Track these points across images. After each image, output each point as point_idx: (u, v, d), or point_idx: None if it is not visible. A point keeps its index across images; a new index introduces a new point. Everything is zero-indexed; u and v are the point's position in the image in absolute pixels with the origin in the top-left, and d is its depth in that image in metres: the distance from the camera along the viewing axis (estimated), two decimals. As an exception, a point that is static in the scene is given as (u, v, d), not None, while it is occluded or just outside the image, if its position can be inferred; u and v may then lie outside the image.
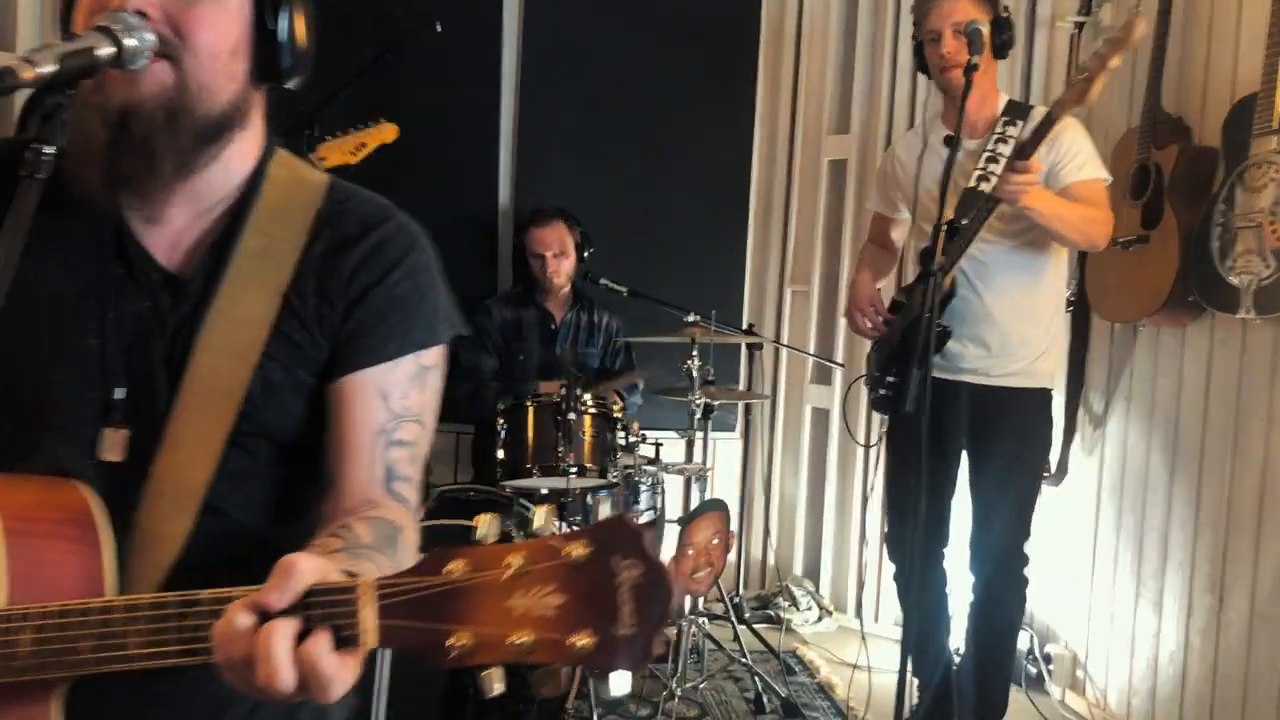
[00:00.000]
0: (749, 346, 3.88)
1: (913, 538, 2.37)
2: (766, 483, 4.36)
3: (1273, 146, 2.45)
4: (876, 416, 3.20)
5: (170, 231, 1.07)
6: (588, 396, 2.92)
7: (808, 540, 4.33)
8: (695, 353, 3.09)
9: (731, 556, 3.67)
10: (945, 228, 2.25)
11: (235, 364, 1.03)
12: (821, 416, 4.29)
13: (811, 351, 4.18)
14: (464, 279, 4.05)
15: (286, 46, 1.04)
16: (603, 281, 3.64)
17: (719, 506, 3.09)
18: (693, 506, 3.16)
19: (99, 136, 0.97)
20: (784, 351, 4.31)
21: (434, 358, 1.12)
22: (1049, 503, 3.46)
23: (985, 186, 2.63)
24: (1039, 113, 2.71)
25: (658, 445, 3.47)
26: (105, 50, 0.90)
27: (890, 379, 2.60)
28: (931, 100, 2.80)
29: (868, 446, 3.81)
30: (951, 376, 2.75)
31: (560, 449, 2.82)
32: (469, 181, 4.06)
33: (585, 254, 3.72)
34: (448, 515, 2.84)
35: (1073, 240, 2.71)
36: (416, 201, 4.18)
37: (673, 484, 3.40)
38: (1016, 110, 2.73)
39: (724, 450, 4.29)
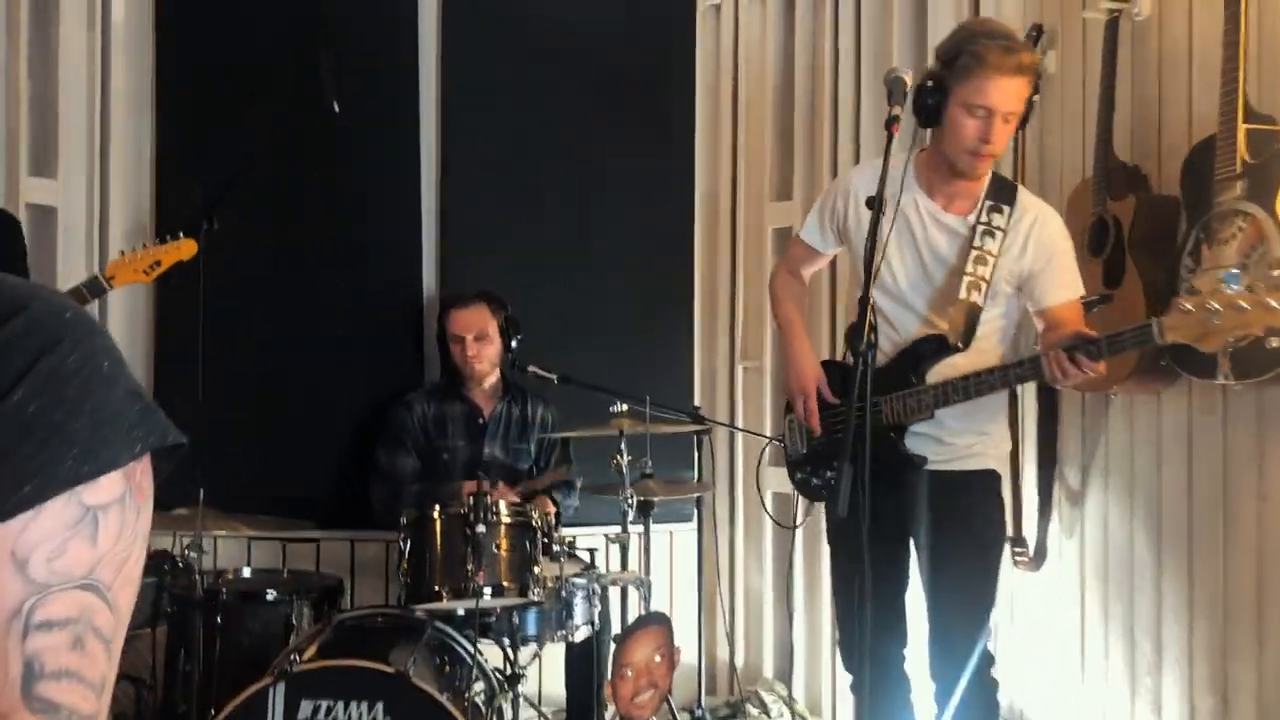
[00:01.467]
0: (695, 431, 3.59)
1: (861, 650, 2.07)
2: (730, 577, 4.03)
3: (1237, 193, 2.20)
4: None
5: None
6: (502, 505, 2.61)
7: (778, 639, 3.99)
8: (624, 445, 2.80)
9: (691, 660, 3.33)
10: (872, 304, 1.97)
11: None
12: (785, 502, 3.97)
13: (767, 434, 3.88)
14: (387, 372, 3.78)
15: None
16: (531, 368, 3.34)
17: (659, 620, 2.77)
18: (636, 616, 2.83)
19: None
20: (739, 432, 4.02)
21: (107, 491, 0.79)
22: (1031, 589, 3.16)
23: (976, 297, 2.38)
24: (1026, 199, 2.45)
25: (592, 551, 3.15)
26: None
27: (830, 473, 2.31)
28: (914, 155, 2.44)
29: (793, 529, 3.51)
30: None
31: (470, 566, 2.50)
32: (390, 268, 3.80)
33: (513, 340, 3.43)
34: (349, 650, 2.50)
35: None
36: (334, 292, 3.88)
37: (616, 591, 3.08)
38: (1001, 192, 2.43)
39: (681, 542, 3.97)
